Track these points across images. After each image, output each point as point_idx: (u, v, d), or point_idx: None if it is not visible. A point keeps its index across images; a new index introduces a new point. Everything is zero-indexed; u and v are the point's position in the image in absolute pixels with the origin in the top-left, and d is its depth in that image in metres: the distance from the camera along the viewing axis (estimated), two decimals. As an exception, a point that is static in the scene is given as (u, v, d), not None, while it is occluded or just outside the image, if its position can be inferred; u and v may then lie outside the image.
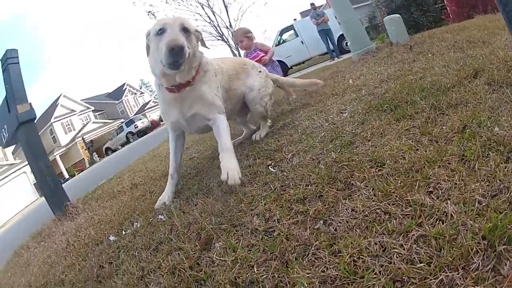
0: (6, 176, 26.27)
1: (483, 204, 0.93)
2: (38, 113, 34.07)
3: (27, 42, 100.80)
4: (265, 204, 1.40)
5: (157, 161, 4.50)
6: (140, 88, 49.15)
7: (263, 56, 4.25)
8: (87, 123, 36.20)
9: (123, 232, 2.00)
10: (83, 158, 31.98)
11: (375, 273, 0.83)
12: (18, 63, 3.97)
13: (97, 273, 1.60)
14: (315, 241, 1.02)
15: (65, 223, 3.37)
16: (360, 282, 0.83)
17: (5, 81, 3.93)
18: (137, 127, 28.86)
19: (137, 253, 1.58)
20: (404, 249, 0.86)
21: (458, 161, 1.16)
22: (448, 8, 11.68)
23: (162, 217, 1.88)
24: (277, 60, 14.25)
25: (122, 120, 35.43)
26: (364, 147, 1.55)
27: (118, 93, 43.23)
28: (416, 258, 0.83)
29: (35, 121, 4.20)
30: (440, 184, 1.07)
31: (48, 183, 3.98)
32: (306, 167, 1.58)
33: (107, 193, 3.86)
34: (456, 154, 1.19)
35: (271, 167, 1.82)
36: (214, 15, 18.99)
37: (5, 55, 3.91)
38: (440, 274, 0.77)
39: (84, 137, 33.28)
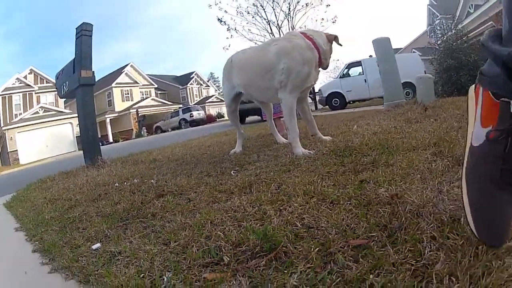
0: (53, 120, 29.47)
1: (296, 228, 1.28)
2: (103, 74, 35.86)
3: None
4: (205, 189, 2.22)
5: (184, 149, 5.52)
6: (208, 81, 50.75)
7: None
8: (146, 98, 38.48)
9: (125, 183, 2.98)
10: (132, 129, 34.05)
11: (205, 229, 1.52)
12: (91, 36, 5.24)
13: (94, 198, 2.62)
14: (202, 211, 1.79)
15: (90, 170, 4.54)
16: (197, 232, 1.50)
17: (76, 47, 5.23)
18: (192, 116, 30.01)
19: (123, 193, 2.57)
20: (228, 227, 1.46)
21: (319, 199, 1.53)
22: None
23: (153, 181, 2.81)
24: (335, 92, 14.46)
25: (181, 105, 37.15)
26: (291, 175, 2.12)
27: (184, 79, 45.96)
28: (228, 232, 1.37)
29: (94, 85, 5.45)
30: (290, 207, 1.51)
31: (89, 136, 5.19)
32: (248, 176, 2.30)
33: (132, 160, 4.99)
34: (326, 195, 1.56)
35: (233, 172, 2.63)
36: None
37: (81, 26, 5.19)
38: (220, 242, 1.29)
39: (139, 110, 35.22)
